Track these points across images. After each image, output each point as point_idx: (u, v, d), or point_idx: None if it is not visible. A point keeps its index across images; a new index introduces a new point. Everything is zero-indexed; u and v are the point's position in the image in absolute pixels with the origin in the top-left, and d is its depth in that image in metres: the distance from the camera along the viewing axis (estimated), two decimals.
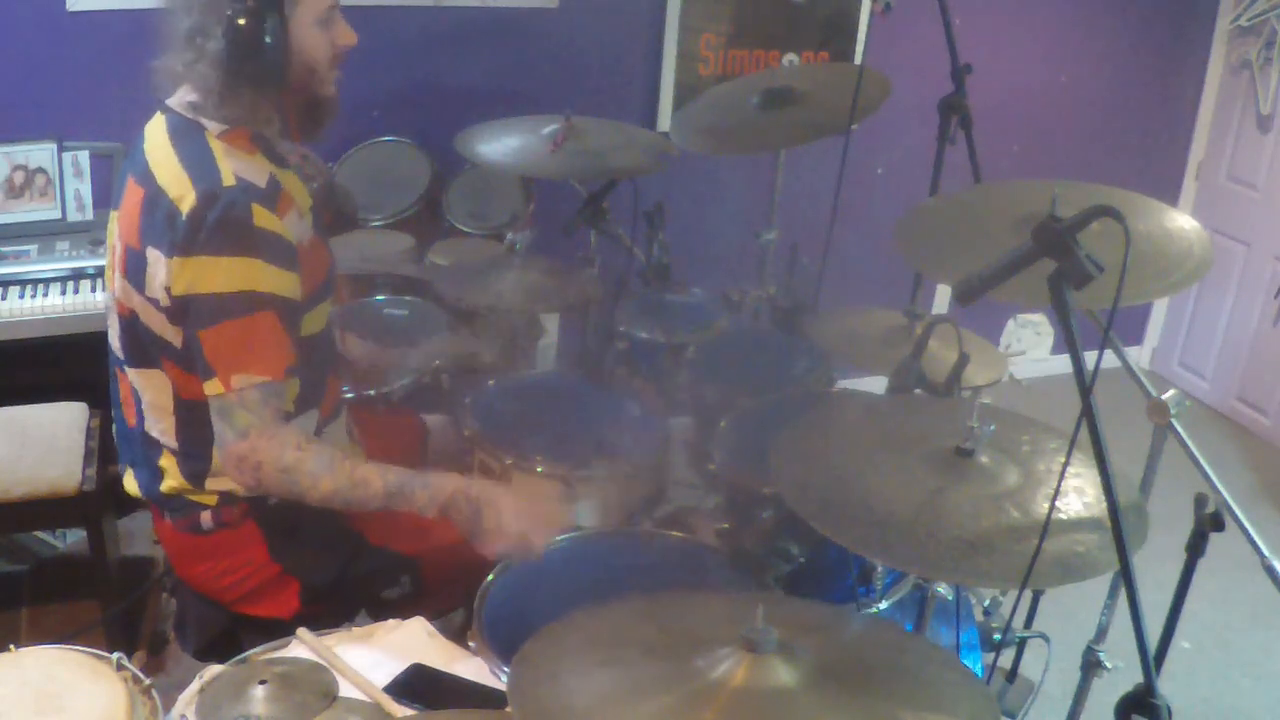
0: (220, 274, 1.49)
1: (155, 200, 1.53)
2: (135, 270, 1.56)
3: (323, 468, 1.54)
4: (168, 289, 1.52)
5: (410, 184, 3.00)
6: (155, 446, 1.67)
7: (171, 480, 1.66)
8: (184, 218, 1.49)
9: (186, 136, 1.56)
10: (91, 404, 2.46)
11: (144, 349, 1.62)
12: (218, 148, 1.55)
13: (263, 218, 1.52)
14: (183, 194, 1.50)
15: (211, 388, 1.51)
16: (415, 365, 2.28)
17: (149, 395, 1.64)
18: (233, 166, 1.53)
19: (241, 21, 1.48)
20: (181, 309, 1.53)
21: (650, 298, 2.66)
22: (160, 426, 1.65)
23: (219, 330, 1.50)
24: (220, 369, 1.50)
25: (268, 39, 1.50)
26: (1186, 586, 1.46)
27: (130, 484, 1.73)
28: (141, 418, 1.68)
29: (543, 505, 1.60)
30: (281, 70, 1.54)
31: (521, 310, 2.63)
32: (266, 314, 1.52)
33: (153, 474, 1.68)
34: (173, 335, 1.56)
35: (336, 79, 1.65)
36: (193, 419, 1.62)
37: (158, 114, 1.61)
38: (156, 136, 1.58)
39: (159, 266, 1.52)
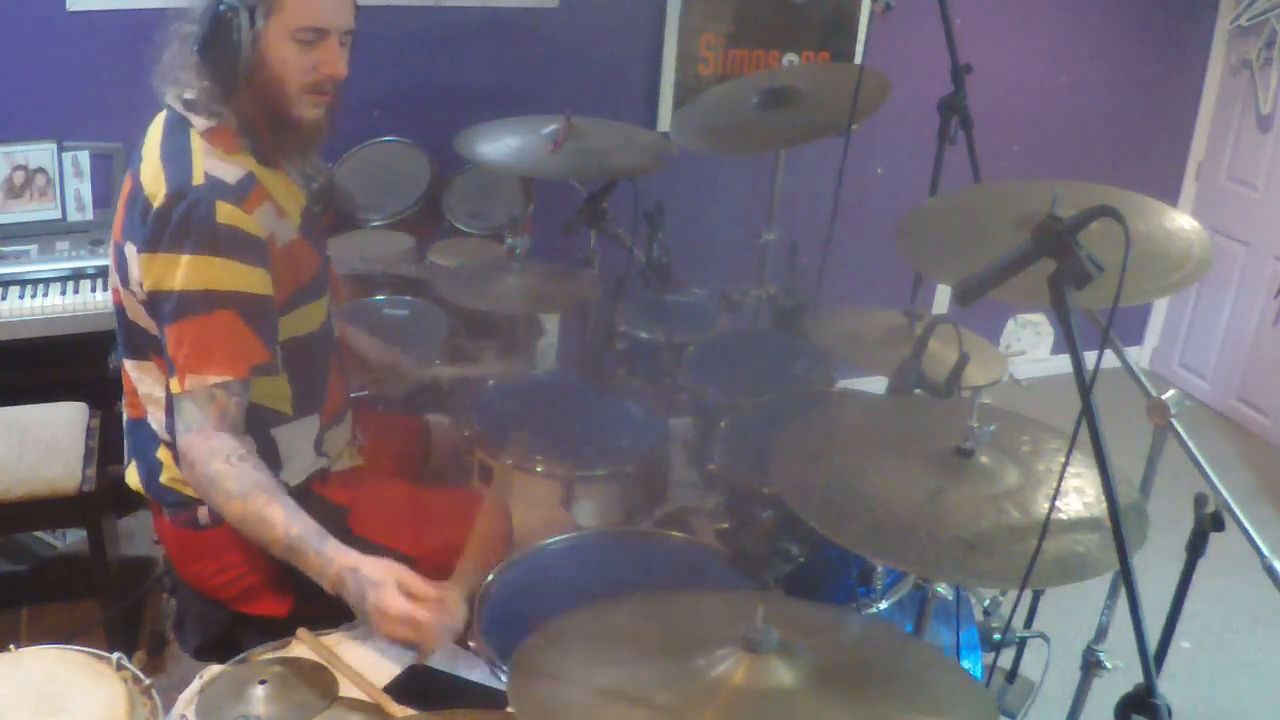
0: (181, 271, 1.50)
1: (136, 196, 1.56)
2: (121, 265, 1.59)
3: (237, 492, 1.49)
4: (141, 284, 1.55)
5: (410, 184, 3.00)
6: (154, 439, 1.68)
7: (169, 472, 1.67)
8: (153, 214, 1.51)
9: (174, 133, 1.58)
10: (91, 404, 2.46)
11: (136, 341, 1.64)
12: (198, 145, 1.56)
13: (227, 213, 1.52)
14: (156, 191, 1.52)
15: (173, 385, 1.53)
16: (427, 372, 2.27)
17: (144, 387, 1.66)
18: (207, 165, 1.54)
19: (215, 15, 1.50)
20: (151, 305, 1.55)
21: (650, 298, 2.66)
22: (156, 418, 1.66)
23: (179, 328, 1.52)
24: (178, 367, 1.52)
25: (233, 38, 1.50)
26: (1186, 586, 1.47)
27: (132, 477, 1.73)
28: (143, 409, 1.69)
29: (436, 608, 1.44)
30: (237, 73, 1.53)
31: (522, 312, 2.63)
32: (226, 313, 1.53)
33: (151, 467, 1.69)
34: (156, 328, 1.58)
35: (323, 104, 1.62)
36: None
37: (163, 109, 1.63)
38: (154, 132, 1.61)
39: (134, 261, 1.55)
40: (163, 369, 1.62)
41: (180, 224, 1.50)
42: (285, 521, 1.48)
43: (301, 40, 1.55)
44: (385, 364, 2.16)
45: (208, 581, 1.72)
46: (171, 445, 1.66)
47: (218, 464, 1.50)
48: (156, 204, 1.51)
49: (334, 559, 1.47)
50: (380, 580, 1.44)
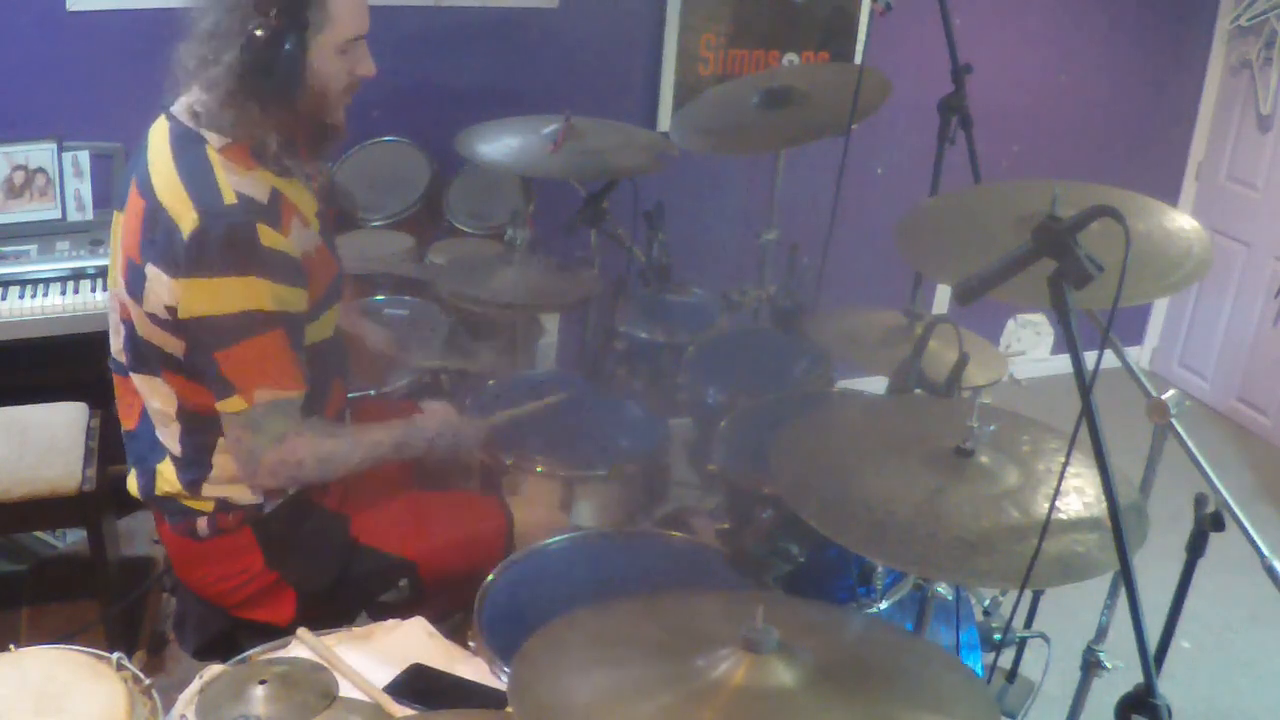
0: (228, 294, 1.49)
1: (155, 215, 1.52)
2: (135, 283, 1.56)
3: (349, 446, 1.67)
4: (171, 308, 1.52)
5: (410, 184, 3.00)
6: (154, 450, 1.67)
7: (165, 485, 1.66)
8: (185, 239, 1.48)
9: (187, 148, 1.54)
10: (91, 404, 2.46)
11: (144, 357, 1.61)
12: (217, 162, 1.53)
13: (268, 237, 1.51)
14: (182, 212, 1.49)
15: (234, 404, 1.51)
16: (424, 363, 2.28)
17: (153, 402, 1.64)
18: (233, 183, 1.52)
19: (262, 35, 1.47)
20: (191, 330, 1.52)
21: (650, 298, 2.66)
22: (165, 432, 1.65)
23: (236, 350, 1.50)
24: (242, 385, 1.51)
25: (285, 58, 1.49)
26: (1186, 586, 1.47)
27: (132, 485, 1.73)
28: (139, 421, 1.68)
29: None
30: (292, 91, 1.53)
31: (521, 307, 2.63)
32: (277, 333, 1.53)
33: (149, 477, 1.68)
34: (173, 347, 1.56)
35: (346, 105, 1.65)
36: (195, 427, 1.62)
37: (161, 118, 1.60)
38: (158, 144, 1.57)
39: (159, 284, 1.52)
40: (174, 386, 1.60)
41: (221, 247, 1.48)
42: (384, 433, 1.74)
43: (345, 51, 1.58)
44: (381, 350, 2.16)
45: (208, 589, 1.72)
46: (176, 459, 1.65)
47: (327, 443, 1.65)
48: (187, 227, 1.48)
49: (428, 425, 1.81)
50: (438, 408, 1.87)
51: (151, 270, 1.52)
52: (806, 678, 1.09)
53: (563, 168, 2.44)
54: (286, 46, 1.49)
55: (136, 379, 1.65)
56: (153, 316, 1.54)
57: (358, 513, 1.78)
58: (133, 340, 1.61)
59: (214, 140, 1.54)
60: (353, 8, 1.56)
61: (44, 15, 2.69)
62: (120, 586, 2.44)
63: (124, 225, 1.60)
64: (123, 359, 1.66)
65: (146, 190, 1.54)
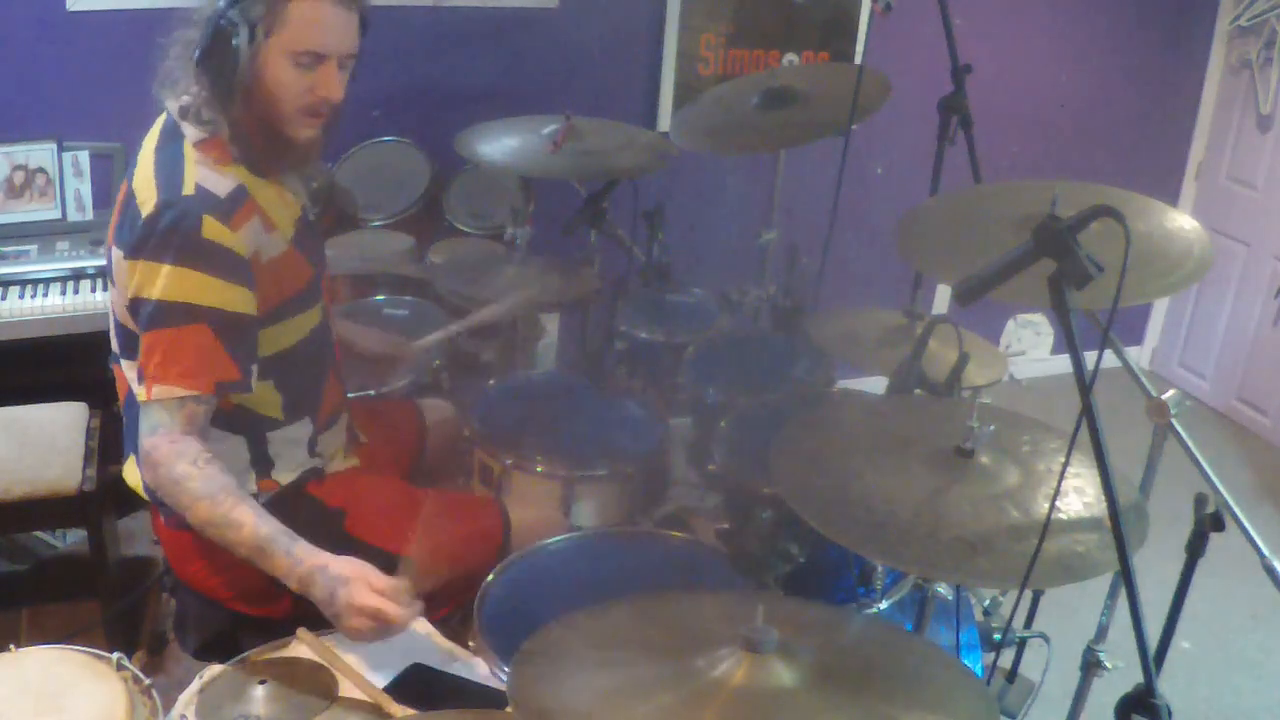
0: (160, 281, 1.51)
1: (128, 201, 1.57)
2: (110, 267, 1.61)
3: (204, 493, 1.48)
4: (125, 289, 1.56)
5: (410, 184, 3.00)
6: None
7: None
8: (141, 222, 1.52)
9: (168, 141, 1.58)
10: (91, 404, 2.46)
11: (124, 343, 1.65)
12: (190, 155, 1.56)
13: (212, 229, 1.52)
14: (146, 199, 1.53)
15: (140, 392, 1.53)
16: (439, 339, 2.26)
17: (134, 386, 1.66)
18: (199, 176, 1.54)
19: (216, 26, 1.50)
20: (132, 310, 1.56)
21: (650, 298, 2.67)
22: None
23: (153, 336, 1.52)
24: (148, 375, 1.52)
25: (233, 50, 1.51)
26: (1186, 586, 1.47)
27: (131, 473, 1.74)
28: (128, 408, 1.69)
29: (398, 601, 1.44)
30: (235, 84, 1.53)
31: (521, 310, 2.63)
32: (199, 327, 1.52)
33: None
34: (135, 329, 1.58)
35: (317, 125, 1.62)
36: None
37: (162, 114, 1.63)
38: (150, 138, 1.61)
39: (120, 265, 1.56)
40: None
41: (165, 234, 1.50)
42: (254, 523, 1.48)
43: (300, 63, 1.55)
44: (386, 353, 2.16)
45: (205, 582, 1.72)
46: None
47: (184, 466, 1.49)
48: (145, 211, 1.52)
49: (303, 559, 1.46)
50: (349, 577, 1.44)
51: (115, 252, 1.58)
52: (806, 678, 1.09)
53: (563, 168, 2.44)
54: (235, 38, 1.50)
55: (125, 365, 1.67)
56: (123, 299, 1.58)
57: (354, 508, 1.78)
58: (117, 326, 1.65)
59: (191, 134, 1.57)
60: (309, 19, 1.54)
61: (44, 15, 2.69)
62: (120, 586, 2.44)
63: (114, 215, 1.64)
64: (115, 348, 1.69)
65: (130, 180, 1.59)
